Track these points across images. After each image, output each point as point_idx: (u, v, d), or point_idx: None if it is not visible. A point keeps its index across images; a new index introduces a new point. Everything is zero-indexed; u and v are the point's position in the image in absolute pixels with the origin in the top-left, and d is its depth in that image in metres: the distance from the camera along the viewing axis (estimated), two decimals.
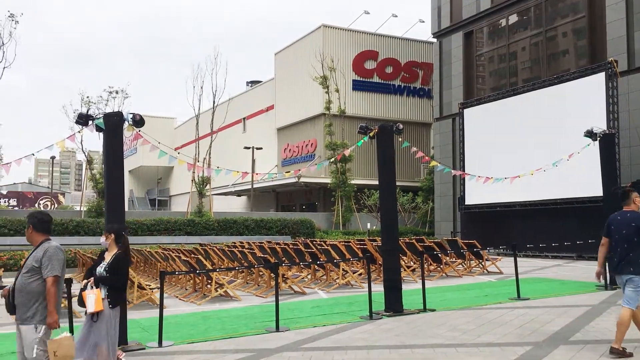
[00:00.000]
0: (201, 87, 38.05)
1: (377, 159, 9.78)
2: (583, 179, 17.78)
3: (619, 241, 6.31)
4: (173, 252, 14.19)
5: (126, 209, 17.42)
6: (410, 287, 11.87)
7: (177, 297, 11.84)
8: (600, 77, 19.12)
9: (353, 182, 35.38)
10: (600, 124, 17.08)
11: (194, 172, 33.00)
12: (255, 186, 41.21)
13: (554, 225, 19.89)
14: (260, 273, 13.32)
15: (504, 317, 8.56)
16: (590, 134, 12.52)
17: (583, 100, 19.45)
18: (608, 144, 12.59)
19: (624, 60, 20.65)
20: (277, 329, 7.83)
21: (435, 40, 31.82)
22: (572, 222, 19.09)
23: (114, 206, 7.36)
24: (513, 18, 26.70)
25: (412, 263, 14.86)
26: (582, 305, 9.44)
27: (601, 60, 20.63)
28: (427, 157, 12.56)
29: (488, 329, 7.63)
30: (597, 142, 12.47)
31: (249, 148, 41.81)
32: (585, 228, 17.61)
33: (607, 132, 12.67)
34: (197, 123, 36.05)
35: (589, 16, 22.85)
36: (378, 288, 10.01)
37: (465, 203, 24.66)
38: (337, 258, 12.87)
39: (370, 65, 40.16)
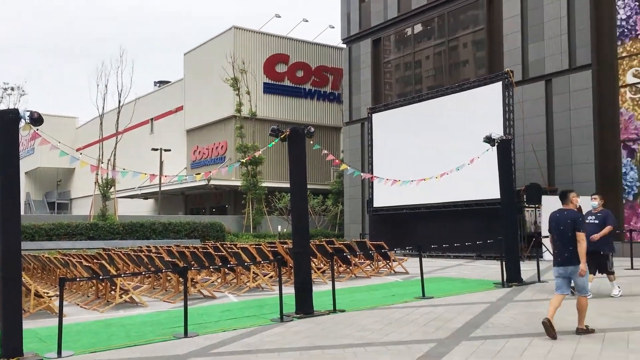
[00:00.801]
0: (105, 86, 36.52)
1: (289, 162, 9.82)
2: (483, 183, 18.71)
3: (559, 237, 7.17)
4: (74, 258, 13.52)
5: (22, 212, 16.39)
6: (321, 288, 11.99)
7: (78, 304, 11.30)
8: (498, 86, 20.24)
9: (264, 184, 35.33)
10: (498, 130, 18.08)
11: (97, 174, 31.62)
12: (163, 189, 40.13)
13: (456, 226, 20.81)
14: (168, 278, 12.98)
15: (410, 315, 8.84)
16: (489, 140, 13.20)
17: (483, 107, 20.50)
18: (505, 149, 13.33)
19: (519, 71, 21.99)
20: (186, 335, 7.66)
21: (344, 46, 32.42)
22: (473, 223, 20.05)
23: (7, 210, 6.90)
24: (418, 27, 27.73)
25: (322, 265, 15.03)
26: (482, 302, 9.92)
27: (499, 70, 21.85)
28: (337, 160, 12.77)
29: (395, 328, 7.85)
30: (495, 148, 13.17)
31: (156, 150, 40.69)
32: (485, 229, 18.55)
33: (504, 138, 13.41)
34: (101, 123, 34.63)
35: (488, 28, 24.15)
36: (289, 290, 10.05)
37: (374, 205, 25.28)
38: (248, 261, 12.78)
39: (281, 68, 40.29)
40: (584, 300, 7.00)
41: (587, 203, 10.52)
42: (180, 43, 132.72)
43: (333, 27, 43.95)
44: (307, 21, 44.00)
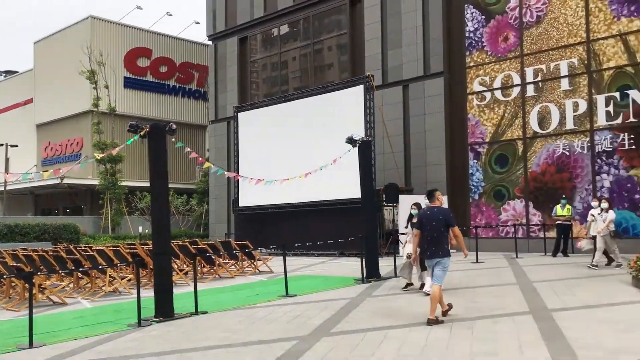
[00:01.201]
0: None
1: (149, 160, 9.42)
2: (346, 182, 19.29)
3: (429, 232, 7.72)
4: None
5: None
6: (184, 290, 11.66)
7: None
8: (360, 89, 21.00)
9: (124, 183, 33.71)
10: (360, 132, 18.75)
11: None
12: (9, 188, 36.84)
13: (321, 225, 21.24)
14: (13, 284, 11.91)
15: (273, 314, 8.87)
16: (350, 141, 13.65)
17: (346, 109, 21.17)
18: (365, 150, 13.86)
19: (379, 76, 23.01)
20: (31, 345, 7.06)
21: (210, 42, 31.88)
22: (337, 222, 20.59)
23: None
24: (285, 28, 28.00)
25: (185, 266, 14.64)
26: (342, 298, 10.22)
27: (360, 74, 22.69)
28: (201, 159, 12.47)
29: (258, 327, 7.83)
30: (356, 149, 13.64)
31: (1, 145, 37.26)
32: (347, 227, 19.09)
33: (364, 139, 13.93)
34: None
35: (351, 33, 25.00)
36: (149, 294, 9.64)
37: (240, 205, 25.11)
38: (104, 264, 12.09)
39: (143, 63, 38.72)
40: (437, 288, 7.57)
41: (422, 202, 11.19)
42: (31, 30, 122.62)
43: (198, 23, 43.09)
44: (170, 15, 42.72)
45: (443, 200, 8.38)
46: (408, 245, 10.61)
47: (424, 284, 10.14)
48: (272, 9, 28.01)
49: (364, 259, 12.70)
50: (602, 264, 13.43)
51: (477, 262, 15.79)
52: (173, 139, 9.89)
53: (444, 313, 7.82)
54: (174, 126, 9.39)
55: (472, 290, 10.59)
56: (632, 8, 17.60)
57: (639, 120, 17.31)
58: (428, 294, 9.89)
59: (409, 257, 10.41)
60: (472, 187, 20.83)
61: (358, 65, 24.57)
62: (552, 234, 17.68)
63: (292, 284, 11.56)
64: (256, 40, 29.37)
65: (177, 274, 13.37)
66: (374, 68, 23.18)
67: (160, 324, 8.38)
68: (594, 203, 14.02)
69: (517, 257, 16.98)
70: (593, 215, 13.59)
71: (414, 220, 10.49)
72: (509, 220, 19.78)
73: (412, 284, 10.81)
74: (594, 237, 13.57)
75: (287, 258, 11.61)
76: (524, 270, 13.52)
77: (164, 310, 8.84)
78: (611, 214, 13.23)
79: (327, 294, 10.87)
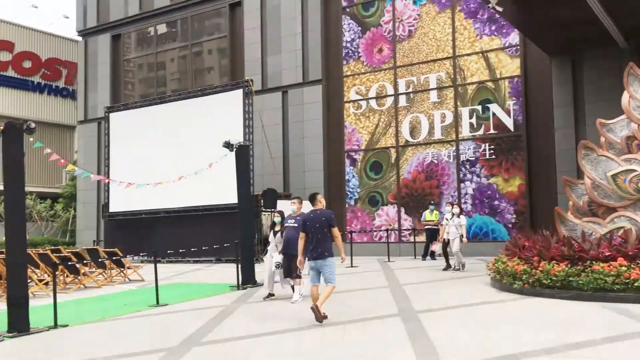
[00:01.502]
0: None
1: (2, 161, 8.61)
2: (223, 187, 18.98)
3: (314, 234, 7.91)
4: None
5: None
6: (43, 302, 10.80)
7: None
8: (239, 93, 20.83)
9: None
10: (239, 137, 18.57)
11: None
12: None
13: (198, 230, 20.74)
14: None
15: (141, 325, 8.46)
16: (227, 145, 13.44)
17: (225, 114, 20.87)
18: (243, 155, 13.71)
19: (259, 81, 22.96)
20: None
21: (80, 39, 30.08)
22: (214, 227, 20.20)
23: None
24: (162, 28, 27.10)
25: (46, 276, 13.58)
26: (217, 306, 9.98)
27: (240, 79, 22.51)
28: (63, 161, 11.65)
29: (123, 340, 7.41)
30: (234, 153, 13.45)
31: None
32: (224, 233, 18.81)
33: (242, 143, 13.79)
34: None
35: (231, 37, 24.73)
36: (2, 306, 8.80)
37: (110, 210, 23.85)
38: None
39: (4, 57, 35.74)
40: (331, 288, 7.88)
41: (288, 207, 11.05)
42: None
43: (68, 18, 40.59)
44: (36, 7, 39.89)
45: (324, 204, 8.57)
46: (276, 255, 10.40)
47: (299, 290, 10.13)
48: (148, 7, 26.99)
49: (239, 265, 12.52)
50: (457, 267, 14.17)
51: (351, 266, 16.18)
52: (30, 139, 9.14)
53: (318, 317, 7.80)
54: (33, 125, 8.67)
55: (346, 294, 10.79)
56: (493, 28, 19.01)
57: (499, 132, 18.69)
58: (295, 302, 9.87)
59: (277, 266, 10.24)
60: (348, 193, 21.37)
61: (238, 70, 24.35)
62: (422, 238, 18.58)
63: (164, 293, 11.12)
64: (131, 39, 28.14)
65: (37, 284, 12.37)
66: (253, 73, 23.09)
67: (13, 340, 7.67)
68: (447, 208, 14.77)
69: (389, 260, 17.63)
70: (447, 220, 14.30)
71: (277, 228, 10.53)
72: (382, 225, 20.51)
73: (273, 295, 10.56)
74: (448, 241, 14.26)
75: (161, 265, 11.16)
76: (395, 274, 14.06)
77: (19, 324, 8.10)
78: (462, 219, 14.06)
79: (201, 302, 10.57)
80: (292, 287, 10.28)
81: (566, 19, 14.70)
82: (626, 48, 15.43)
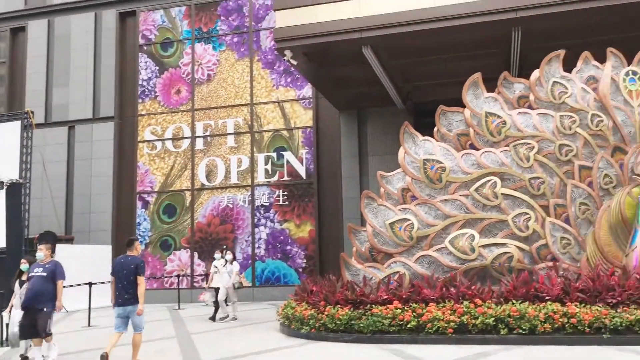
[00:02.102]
0: None
1: None
2: None
3: (122, 280, 7.80)
4: None
5: None
6: None
7: None
8: (17, 125, 18.78)
9: None
10: (15, 173, 16.64)
11: None
12: None
13: None
14: None
15: None
16: None
17: (1, 147, 18.59)
18: (15, 193, 12.28)
19: (42, 113, 21.04)
20: None
21: None
22: None
23: None
24: None
25: None
26: None
27: (20, 109, 20.40)
28: None
29: None
30: (3, 192, 11.96)
31: None
32: None
33: (14, 181, 12.34)
34: None
35: (11, 63, 22.44)
36: None
37: None
38: None
39: None
40: (139, 336, 7.85)
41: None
42: None
43: None
44: None
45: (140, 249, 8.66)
46: (15, 312, 9.00)
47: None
48: None
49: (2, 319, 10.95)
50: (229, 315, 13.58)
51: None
52: None
53: None
54: None
55: (128, 347, 10.00)
56: (289, 79, 19.90)
57: (292, 179, 19.38)
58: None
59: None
60: (139, 237, 20.26)
61: (17, 100, 22.07)
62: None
63: None
64: None
65: None
66: (36, 104, 21.08)
67: None
68: (217, 255, 14.05)
69: (179, 308, 16.95)
70: (216, 267, 13.62)
71: (24, 277, 9.12)
72: (174, 270, 19.76)
73: (27, 357, 8.98)
74: (216, 289, 13.50)
75: None
76: (185, 322, 13.50)
77: None
78: (236, 266, 13.86)
79: None
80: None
81: (353, 78, 15.98)
82: (403, 108, 17.21)
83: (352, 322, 9.35)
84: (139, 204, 20.51)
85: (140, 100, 21.10)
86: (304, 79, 18.45)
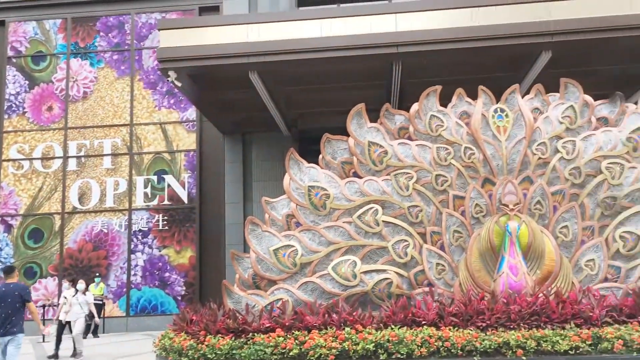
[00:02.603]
0: None
1: None
2: None
3: (4, 308, 7.71)
4: None
5: None
6: None
7: None
8: None
9: None
10: None
11: None
12: None
13: None
14: None
15: None
16: None
17: None
18: None
19: None
20: None
21: None
22: None
23: None
24: None
25: None
26: None
27: None
28: None
29: None
30: None
31: None
32: None
33: None
34: None
35: None
36: None
37: None
38: None
39: None
40: None
41: None
42: None
43: None
44: None
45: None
46: None
47: None
48: None
49: None
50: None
51: None
52: None
53: None
54: None
55: None
56: (172, 101, 19.37)
57: (173, 203, 18.74)
58: None
59: None
60: (1, 264, 18.56)
61: None
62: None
63: None
64: None
65: None
66: None
67: None
68: (66, 284, 13.23)
69: (44, 341, 15.63)
70: (66, 298, 12.79)
71: None
72: (39, 300, 18.23)
73: None
74: (67, 323, 12.64)
75: None
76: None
77: None
78: (89, 296, 13.12)
79: None
80: None
81: (239, 103, 15.91)
82: (289, 135, 17.34)
83: (234, 351, 9.07)
84: (1, 227, 18.83)
85: (6, 116, 19.53)
86: (187, 101, 18.06)
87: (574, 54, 13.13)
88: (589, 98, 10.96)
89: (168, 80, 13.80)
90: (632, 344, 8.34)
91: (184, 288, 18.30)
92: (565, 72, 11.98)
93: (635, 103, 11.11)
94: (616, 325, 8.84)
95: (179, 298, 18.20)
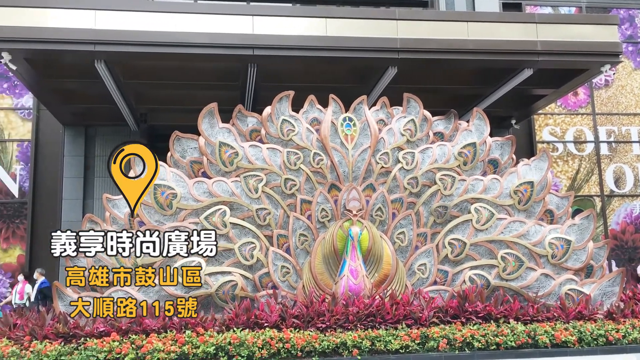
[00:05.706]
0: None
1: None
2: None
3: None
4: None
5: None
6: None
7: None
8: None
9: None
10: None
11: None
12: None
13: None
14: None
15: None
16: None
17: None
18: None
19: None
20: None
21: None
22: None
23: None
24: None
25: None
26: None
27: None
28: None
29: None
30: None
31: None
32: None
33: None
34: None
35: None
36: None
37: None
38: None
39: None
40: None
41: None
42: None
43: None
44: None
45: None
46: None
47: None
48: None
49: None
50: None
51: None
52: None
53: None
54: None
55: None
56: (5, 85, 17.65)
57: (1, 196, 17.07)
58: None
59: None
60: None
61: None
62: None
63: None
64: None
65: None
66: None
67: None
68: None
69: None
70: None
71: None
72: None
73: None
74: None
75: None
76: None
77: None
78: None
79: None
80: None
81: (83, 92, 14.93)
82: (137, 130, 16.59)
83: (62, 357, 8.46)
84: None
85: None
86: (23, 86, 16.56)
87: (417, 72, 14.01)
88: (427, 113, 11.81)
89: (1, 62, 12.54)
90: (455, 342, 9.10)
91: (10, 290, 16.69)
92: (409, 87, 12.77)
93: (467, 121, 12.17)
94: (442, 325, 9.59)
95: (1, 300, 16.58)
